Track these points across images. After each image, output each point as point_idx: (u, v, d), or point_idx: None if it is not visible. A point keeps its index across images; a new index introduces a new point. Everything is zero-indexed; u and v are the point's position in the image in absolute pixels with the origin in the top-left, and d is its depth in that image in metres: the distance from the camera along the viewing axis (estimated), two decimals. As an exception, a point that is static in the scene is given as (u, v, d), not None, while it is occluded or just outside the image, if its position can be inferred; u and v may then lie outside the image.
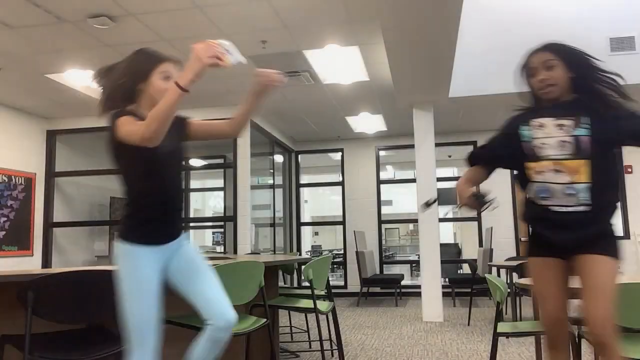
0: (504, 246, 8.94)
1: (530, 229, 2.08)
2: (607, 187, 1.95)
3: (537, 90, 2.00)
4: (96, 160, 8.62)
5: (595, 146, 1.90)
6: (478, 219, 9.13)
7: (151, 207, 2.03)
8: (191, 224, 10.68)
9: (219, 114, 7.55)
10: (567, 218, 1.92)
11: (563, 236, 1.94)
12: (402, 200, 12.02)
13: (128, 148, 1.86)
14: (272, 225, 8.72)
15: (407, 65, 5.27)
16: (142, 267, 1.97)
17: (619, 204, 2.01)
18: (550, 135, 1.95)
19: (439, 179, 7.75)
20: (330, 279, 4.06)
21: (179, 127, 2.12)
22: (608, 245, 1.94)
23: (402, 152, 9.74)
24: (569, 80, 1.97)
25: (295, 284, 7.92)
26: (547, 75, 1.95)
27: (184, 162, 2.24)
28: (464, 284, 8.23)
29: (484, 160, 2.22)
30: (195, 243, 11.42)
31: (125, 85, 2.03)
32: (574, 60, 1.97)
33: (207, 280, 2.08)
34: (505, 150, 2.10)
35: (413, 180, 7.28)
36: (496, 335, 3.03)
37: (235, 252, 7.28)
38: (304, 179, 10.66)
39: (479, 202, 2.05)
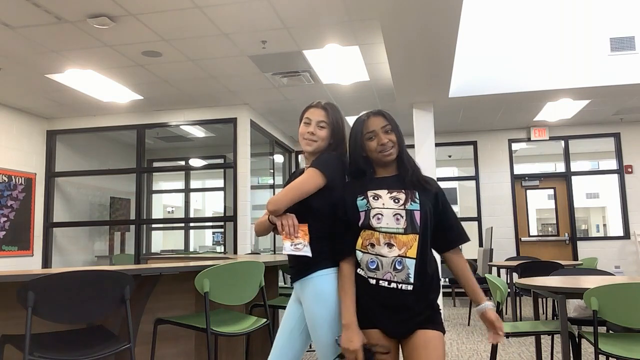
0: (504, 246, 8.94)
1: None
2: (431, 262, 1.95)
3: (378, 152, 1.96)
4: (96, 160, 8.64)
5: (424, 221, 1.90)
6: (478, 219, 9.13)
7: None
8: (191, 224, 10.69)
9: (219, 114, 7.57)
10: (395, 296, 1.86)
11: (392, 317, 1.87)
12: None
13: None
14: (273, 225, 8.71)
15: (407, 65, 5.27)
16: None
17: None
18: (385, 206, 1.91)
19: (439, 179, 7.75)
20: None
21: None
22: (436, 319, 1.92)
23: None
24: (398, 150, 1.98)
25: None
26: (387, 138, 1.95)
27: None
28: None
29: (350, 249, 1.96)
30: (196, 243, 11.43)
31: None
32: (399, 133, 1.99)
33: (293, 350, 2.15)
34: (352, 226, 1.96)
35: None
36: (496, 335, 3.02)
37: (235, 252, 7.29)
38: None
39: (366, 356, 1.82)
